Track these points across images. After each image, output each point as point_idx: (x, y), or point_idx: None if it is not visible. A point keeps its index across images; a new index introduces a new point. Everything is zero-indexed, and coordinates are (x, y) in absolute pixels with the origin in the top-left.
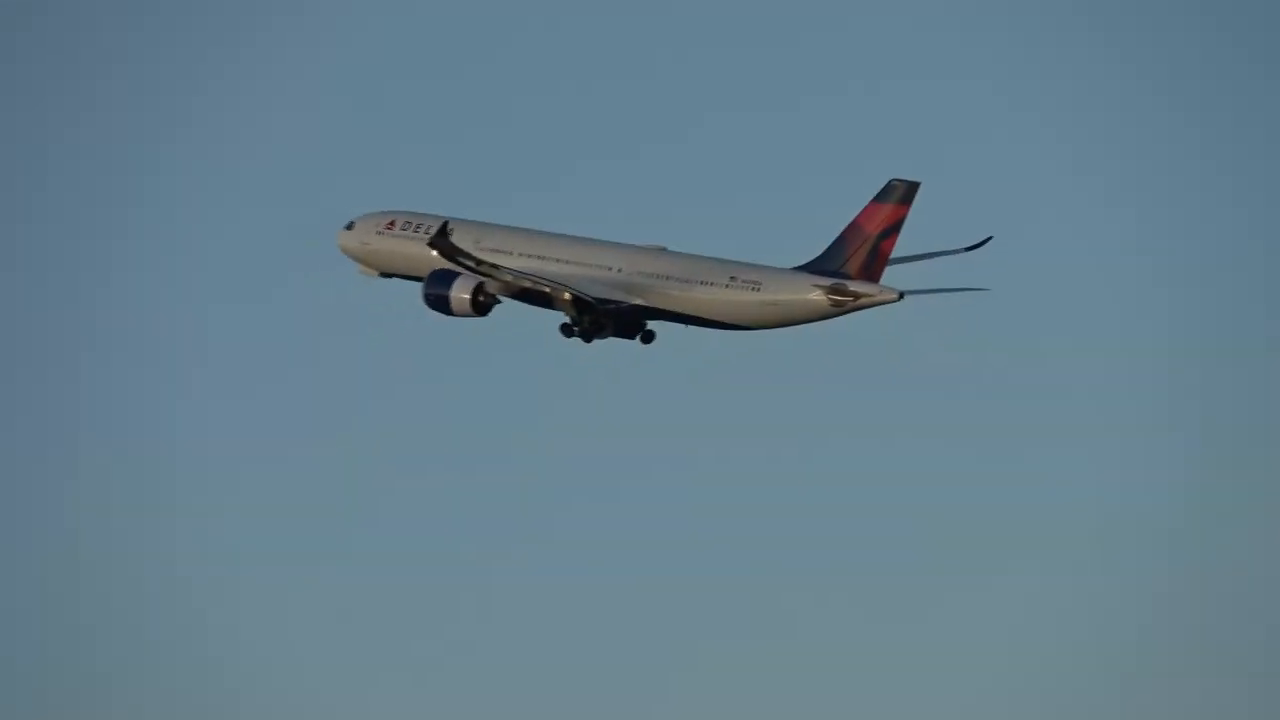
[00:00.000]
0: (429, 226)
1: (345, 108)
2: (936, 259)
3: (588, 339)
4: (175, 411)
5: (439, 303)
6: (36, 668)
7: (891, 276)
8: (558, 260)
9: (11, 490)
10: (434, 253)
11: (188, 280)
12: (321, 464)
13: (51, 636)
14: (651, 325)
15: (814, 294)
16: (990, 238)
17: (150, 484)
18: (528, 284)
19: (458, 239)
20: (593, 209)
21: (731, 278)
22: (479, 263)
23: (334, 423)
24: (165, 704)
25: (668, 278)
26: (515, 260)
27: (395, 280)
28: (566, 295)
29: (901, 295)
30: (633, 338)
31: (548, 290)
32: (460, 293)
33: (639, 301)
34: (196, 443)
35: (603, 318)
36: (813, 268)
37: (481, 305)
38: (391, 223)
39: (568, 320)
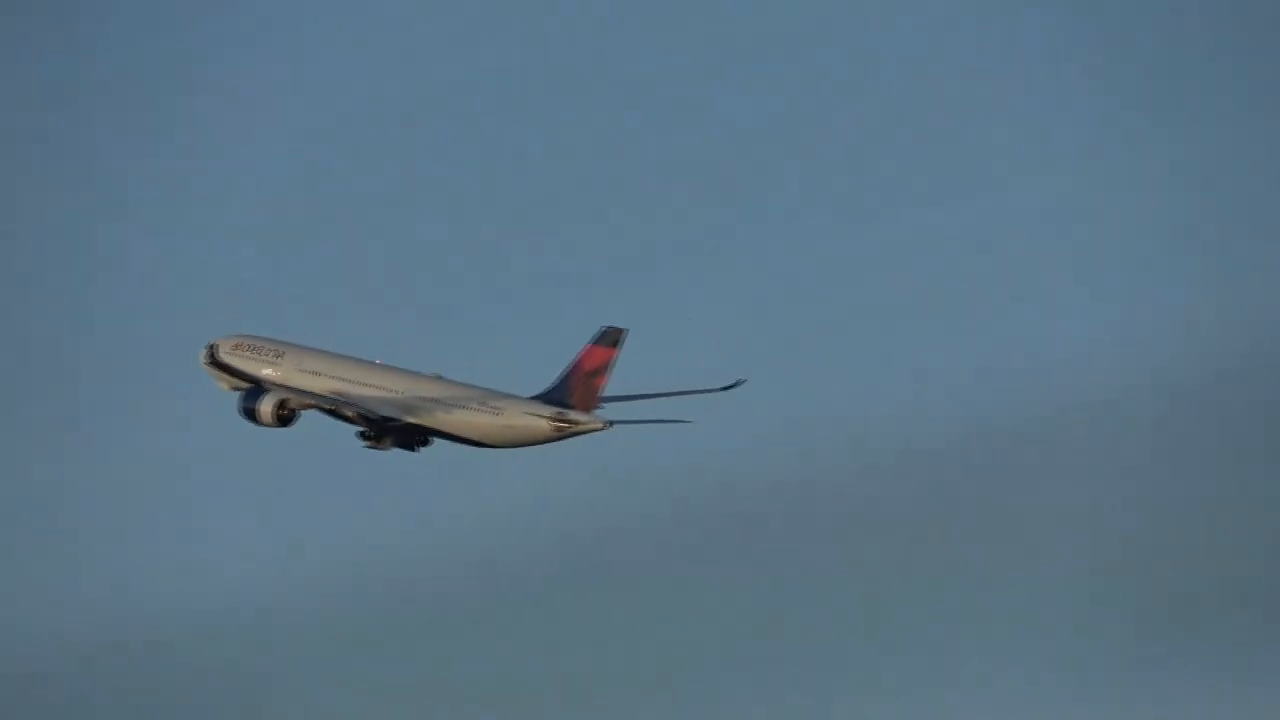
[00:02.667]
0: (265, 349)
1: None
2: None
3: (379, 446)
4: None
5: (249, 414)
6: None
7: (634, 409)
8: (357, 382)
9: None
10: (260, 372)
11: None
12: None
13: None
14: (430, 437)
15: (540, 421)
16: (744, 380)
17: None
18: (310, 402)
19: (286, 362)
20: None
21: (481, 403)
22: (259, 380)
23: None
24: None
25: (435, 400)
26: (324, 381)
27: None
28: (350, 413)
29: (610, 424)
30: (412, 448)
31: (331, 409)
32: (265, 406)
33: (413, 420)
34: None
35: (386, 431)
36: (546, 397)
37: (283, 418)
38: (238, 345)
39: (362, 430)
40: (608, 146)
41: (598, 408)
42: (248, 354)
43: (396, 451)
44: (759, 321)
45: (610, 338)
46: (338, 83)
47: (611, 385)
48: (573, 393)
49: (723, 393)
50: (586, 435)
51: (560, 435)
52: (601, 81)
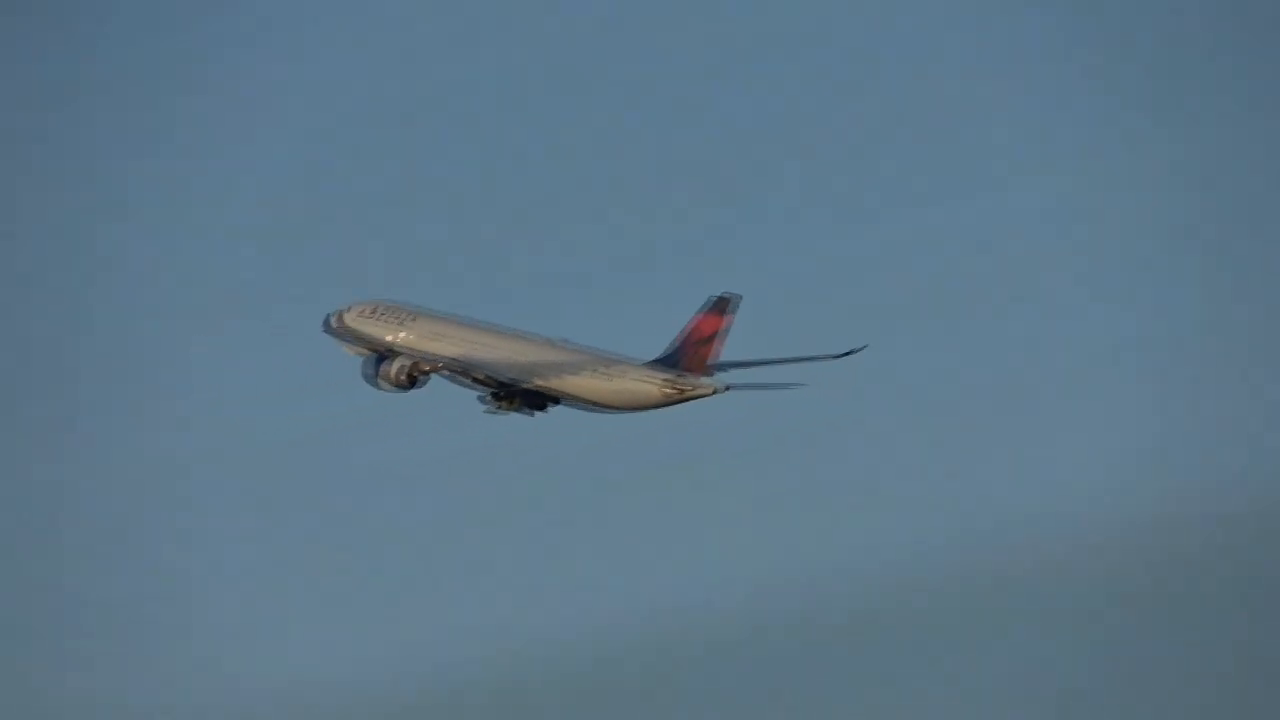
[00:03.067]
0: (401, 314)
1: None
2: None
3: (505, 408)
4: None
5: (372, 379)
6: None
7: (753, 374)
8: (483, 346)
9: None
10: (389, 337)
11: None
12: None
13: None
14: (548, 402)
15: (654, 385)
16: (865, 346)
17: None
18: (431, 366)
19: (419, 325)
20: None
21: (598, 368)
22: (389, 345)
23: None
24: None
25: (554, 365)
26: (450, 345)
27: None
28: (480, 376)
29: (726, 388)
30: (535, 410)
31: (459, 371)
32: (388, 369)
33: (537, 383)
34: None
35: (511, 394)
36: (663, 362)
37: (412, 380)
38: (371, 310)
39: (492, 391)
40: (608, 146)
41: (711, 373)
42: (380, 318)
43: (515, 416)
44: (756, 321)
45: (722, 305)
46: (338, 83)
47: (727, 351)
48: (685, 358)
49: (836, 360)
50: (700, 400)
51: (673, 399)
52: (601, 81)
